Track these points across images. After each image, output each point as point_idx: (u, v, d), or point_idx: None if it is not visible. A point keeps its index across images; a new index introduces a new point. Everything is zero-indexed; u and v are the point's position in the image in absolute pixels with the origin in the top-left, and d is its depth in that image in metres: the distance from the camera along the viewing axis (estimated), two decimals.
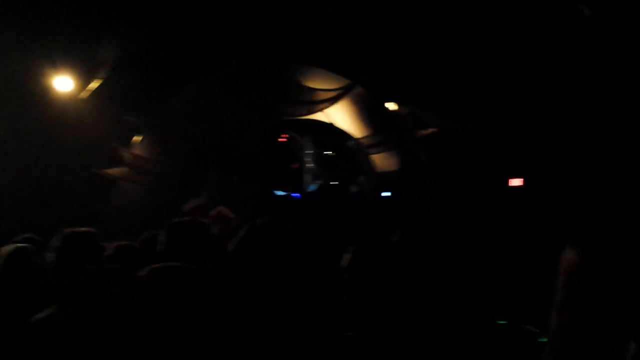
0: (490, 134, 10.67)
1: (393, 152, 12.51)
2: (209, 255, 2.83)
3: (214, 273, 2.88)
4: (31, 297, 3.40)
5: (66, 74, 8.18)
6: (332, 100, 11.61)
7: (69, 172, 8.32)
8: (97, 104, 8.47)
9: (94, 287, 2.29)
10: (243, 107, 10.49)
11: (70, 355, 2.14)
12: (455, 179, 11.14)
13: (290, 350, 1.95)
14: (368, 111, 12.20)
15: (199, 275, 2.21)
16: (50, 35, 7.59)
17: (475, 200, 10.61)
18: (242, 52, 9.64)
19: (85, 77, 8.42)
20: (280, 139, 14.12)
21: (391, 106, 12.01)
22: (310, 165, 15.10)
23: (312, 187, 14.51)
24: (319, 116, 12.26)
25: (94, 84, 8.55)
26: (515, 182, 11.63)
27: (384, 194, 12.81)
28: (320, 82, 11.15)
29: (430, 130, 12.07)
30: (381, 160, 12.81)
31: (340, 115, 12.34)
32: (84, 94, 8.46)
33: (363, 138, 12.67)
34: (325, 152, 15.19)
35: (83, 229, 3.31)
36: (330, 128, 12.84)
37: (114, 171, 9.47)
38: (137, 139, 9.79)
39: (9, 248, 3.65)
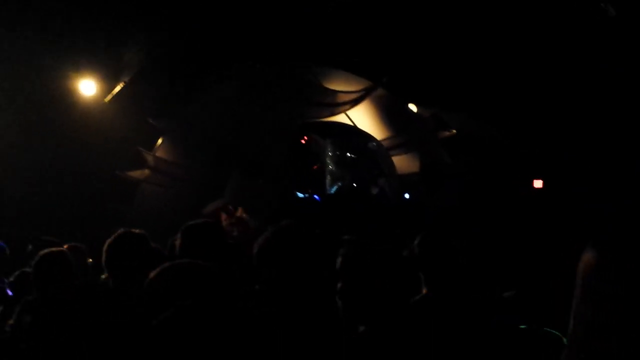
0: (509, 135, 10.62)
1: (415, 154, 12.45)
2: (225, 257, 2.84)
3: (234, 274, 2.90)
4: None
5: (90, 77, 8.27)
6: (354, 102, 11.60)
7: (93, 174, 8.42)
8: (121, 107, 8.55)
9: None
10: (265, 109, 10.52)
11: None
12: (479, 180, 11.08)
13: (300, 350, 1.96)
14: (390, 113, 12.17)
15: (210, 272, 2.22)
16: (74, 39, 7.68)
17: (495, 202, 10.55)
18: (264, 55, 9.68)
19: (108, 81, 8.51)
20: (301, 141, 14.11)
21: (413, 108, 11.97)
22: (331, 167, 15.07)
23: (332, 190, 14.49)
24: (340, 118, 12.26)
25: (118, 88, 8.64)
26: (538, 183, 11.55)
27: (406, 196, 12.75)
28: (342, 84, 11.15)
29: (452, 132, 12.02)
30: (403, 162, 12.76)
31: (361, 117, 12.32)
32: (108, 98, 8.55)
33: (384, 140, 12.64)
34: (346, 154, 15.14)
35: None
36: (352, 130, 12.82)
37: (137, 174, 9.55)
38: (160, 141, 9.87)
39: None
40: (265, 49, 9.50)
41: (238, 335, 1.97)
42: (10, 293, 4.49)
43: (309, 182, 13.72)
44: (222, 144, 10.31)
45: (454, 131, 11.99)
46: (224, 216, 7.91)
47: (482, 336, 3.06)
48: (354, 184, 13.86)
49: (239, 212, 8.91)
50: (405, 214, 10.77)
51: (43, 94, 7.87)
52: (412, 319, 3.08)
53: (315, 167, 14.41)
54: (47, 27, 7.40)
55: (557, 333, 3.20)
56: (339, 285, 2.99)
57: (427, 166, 12.02)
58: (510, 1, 8.11)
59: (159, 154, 9.89)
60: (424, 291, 3.37)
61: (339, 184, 14.15)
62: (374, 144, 13.28)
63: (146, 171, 9.68)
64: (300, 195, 13.16)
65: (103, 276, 3.79)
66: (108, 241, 3.20)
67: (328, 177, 14.81)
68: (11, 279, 4.61)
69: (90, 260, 4.63)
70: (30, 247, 4.99)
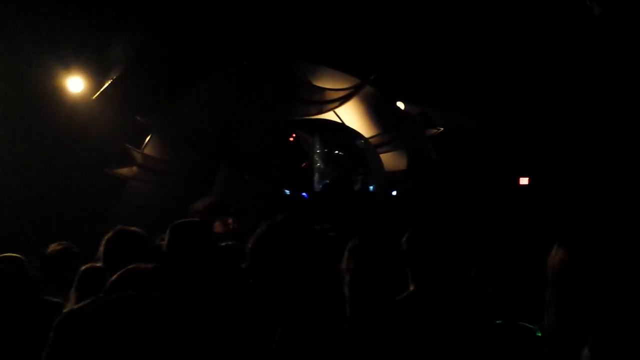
0: (497, 133, 10.68)
1: (402, 151, 12.50)
2: (212, 255, 2.87)
3: (222, 272, 2.93)
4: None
5: (78, 74, 8.25)
6: (342, 100, 11.62)
7: (81, 171, 8.39)
8: (109, 104, 8.53)
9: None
10: (253, 106, 10.52)
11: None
12: (468, 177, 11.14)
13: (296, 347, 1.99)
14: (378, 110, 12.20)
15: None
16: (62, 36, 7.66)
17: (485, 199, 10.61)
18: (252, 51, 9.68)
19: (96, 77, 8.49)
20: (290, 138, 14.13)
21: (401, 105, 12.02)
22: (319, 164, 15.11)
23: (319, 187, 14.54)
24: (328, 115, 12.27)
25: (106, 85, 8.62)
26: (524, 181, 11.62)
27: (393, 193, 12.80)
28: (330, 82, 11.17)
29: (440, 129, 12.08)
30: (390, 160, 12.80)
31: (350, 115, 12.34)
32: (96, 95, 8.53)
33: (372, 137, 12.67)
34: (334, 152, 15.18)
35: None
36: (339, 127, 12.85)
37: (125, 171, 9.54)
38: (148, 139, 9.85)
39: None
40: (253, 46, 9.50)
41: (212, 327, 2.01)
42: None
43: (296, 179, 13.74)
44: (210, 141, 10.31)
45: (442, 129, 12.06)
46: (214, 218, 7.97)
47: (467, 333, 3.08)
48: (339, 181, 13.93)
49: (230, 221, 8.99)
50: (397, 211, 10.80)
51: (30, 91, 7.84)
52: (397, 317, 3.10)
53: (303, 164, 14.44)
54: (34, 23, 7.37)
55: (531, 326, 3.25)
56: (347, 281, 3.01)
57: (414, 163, 12.07)
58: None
59: (147, 151, 9.87)
60: (411, 288, 3.39)
61: (326, 180, 14.20)
62: (362, 141, 13.32)
63: (134, 168, 9.67)
64: (288, 192, 13.18)
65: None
66: (106, 236, 3.28)
67: (316, 174, 14.85)
68: None
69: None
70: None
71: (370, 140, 12.79)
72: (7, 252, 3.92)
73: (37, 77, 7.88)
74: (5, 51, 7.33)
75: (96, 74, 8.44)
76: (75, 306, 2.83)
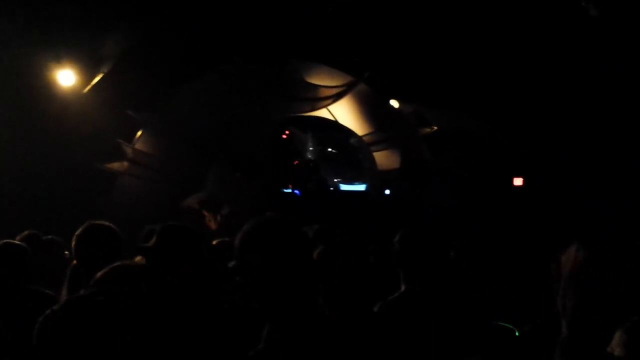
0: (492, 132, 10.68)
1: (396, 150, 12.49)
2: (203, 257, 2.83)
3: (215, 273, 2.88)
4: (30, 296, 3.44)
5: (69, 68, 8.16)
6: (336, 97, 11.59)
7: (71, 166, 8.32)
8: (100, 98, 8.45)
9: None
10: (246, 103, 10.48)
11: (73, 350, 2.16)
12: (463, 176, 11.14)
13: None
14: (371, 108, 12.19)
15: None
16: (53, 29, 7.58)
17: (481, 198, 10.61)
18: (245, 48, 9.63)
19: (88, 71, 8.41)
20: (283, 136, 14.09)
21: (395, 104, 11.99)
22: (312, 162, 15.08)
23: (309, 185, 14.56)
24: (322, 113, 12.24)
25: (97, 79, 8.54)
26: (518, 181, 11.63)
27: (386, 192, 12.81)
28: (323, 79, 11.14)
29: (434, 128, 12.07)
30: (384, 158, 12.79)
31: (343, 112, 12.32)
32: (87, 88, 8.45)
33: (366, 135, 12.66)
34: (327, 149, 15.16)
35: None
36: (333, 125, 12.82)
37: (116, 166, 9.46)
38: (139, 134, 9.78)
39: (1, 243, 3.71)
40: (247, 42, 9.45)
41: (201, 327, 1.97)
42: None
43: (289, 176, 13.71)
44: (203, 137, 10.26)
45: (435, 127, 12.05)
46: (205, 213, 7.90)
47: (458, 332, 3.08)
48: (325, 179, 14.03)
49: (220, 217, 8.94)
50: (393, 211, 10.80)
51: (20, 84, 7.75)
52: (388, 317, 3.08)
53: (295, 162, 14.40)
54: (25, 15, 7.29)
55: (509, 326, 3.26)
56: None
57: (408, 162, 12.07)
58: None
59: (138, 146, 9.79)
60: (402, 288, 3.37)
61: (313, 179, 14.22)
62: (355, 139, 13.31)
63: (125, 163, 9.59)
64: (281, 190, 13.15)
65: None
66: (77, 232, 3.25)
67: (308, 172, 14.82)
68: None
69: (67, 253, 4.59)
70: (17, 238, 4.96)
71: (363, 138, 12.77)
72: None
73: (27, 70, 7.80)
74: None
75: (87, 68, 8.35)
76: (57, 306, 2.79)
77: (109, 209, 8.64)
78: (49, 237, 4.96)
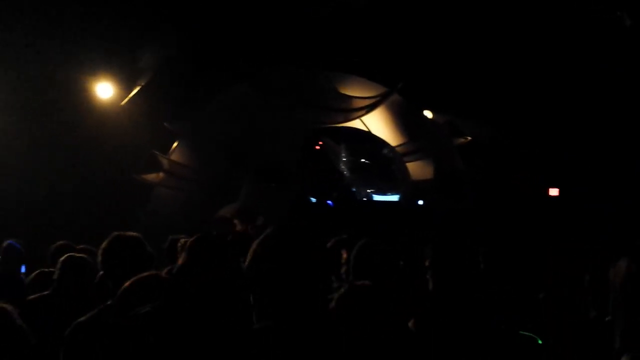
0: (525, 142, 10.59)
1: (429, 160, 12.41)
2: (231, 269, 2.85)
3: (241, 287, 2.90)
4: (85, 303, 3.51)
5: (107, 80, 8.32)
6: (369, 108, 11.58)
7: (109, 177, 8.46)
8: (137, 110, 8.59)
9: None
10: (280, 113, 10.53)
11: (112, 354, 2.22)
12: (491, 186, 11.05)
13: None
14: (404, 119, 12.13)
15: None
16: (92, 42, 7.74)
17: (511, 208, 10.51)
18: (279, 59, 9.70)
19: (125, 84, 8.56)
20: (316, 147, 14.13)
21: (428, 114, 11.93)
22: (345, 173, 15.08)
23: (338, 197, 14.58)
24: (355, 123, 12.24)
25: (134, 91, 8.68)
26: (554, 191, 11.48)
27: (419, 202, 12.74)
28: (357, 90, 11.13)
29: (467, 138, 11.97)
30: (417, 169, 12.72)
31: (376, 123, 12.30)
32: (125, 101, 8.60)
33: (399, 146, 12.61)
34: (361, 160, 15.15)
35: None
36: (366, 136, 12.81)
37: (152, 177, 9.59)
38: (175, 145, 9.91)
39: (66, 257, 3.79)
40: (281, 53, 9.52)
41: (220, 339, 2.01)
42: None
43: (322, 187, 13.73)
44: (237, 147, 10.33)
45: (469, 138, 11.95)
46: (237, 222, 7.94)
47: (479, 339, 3.07)
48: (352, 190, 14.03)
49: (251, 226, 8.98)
50: (424, 219, 10.75)
51: (60, 97, 7.93)
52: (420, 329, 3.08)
53: (328, 172, 14.41)
54: (65, 30, 7.46)
55: (532, 335, 3.23)
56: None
57: (441, 173, 11.98)
58: (527, 10, 8.09)
59: (174, 157, 9.92)
60: (432, 294, 3.38)
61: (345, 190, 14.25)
62: (388, 150, 13.27)
63: (161, 174, 9.72)
64: (314, 200, 13.17)
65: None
66: (102, 245, 3.27)
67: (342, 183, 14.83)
68: (29, 278, 4.70)
69: None
70: (52, 248, 5.07)
71: (396, 149, 12.72)
72: (34, 257, 3.96)
73: (67, 83, 7.97)
74: (35, 57, 7.43)
75: (125, 81, 8.51)
76: (85, 317, 2.86)
77: (145, 219, 8.76)
78: (82, 246, 5.05)
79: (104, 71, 8.24)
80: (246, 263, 2.15)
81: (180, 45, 8.72)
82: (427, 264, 3.36)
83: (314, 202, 13.14)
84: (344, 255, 3.88)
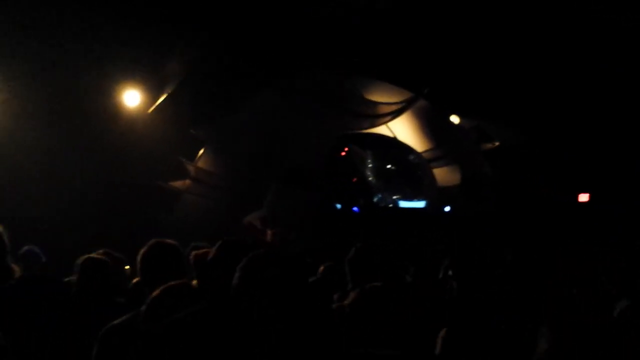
0: (555, 146, 10.46)
1: (456, 166, 12.32)
2: None
3: None
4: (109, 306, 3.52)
5: (134, 88, 8.38)
6: (395, 114, 11.53)
7: (136, 184, 8.51)
8: (164, 117, 8.64)
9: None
10: (306, 120, 10.53)
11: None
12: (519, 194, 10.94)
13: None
14: (431, 124, 12.07)
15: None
16: (119, 50, 7.80)
17: (542, 212, 10.38)
18: (306, 65, 9.70)
19: (152, 91, 8.61)
20: (342, 153, 14.13)
21: (455, 119, 11.85)
22: (371, 179, 15.05)
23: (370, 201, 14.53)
24: (381, 129, 12.21)
25: (161, 98, 8.74)
26: (584, 197, 11.32)
27: (446, 208, 12.65)
28: (383, 96, 11.10)
29: (495, 143, 11.85)
30: (443, 175, 12.63)
31: (402, 129, 12.25)
32: (152, 108, 8.65)
33: (425, 152, 12.54)
34: (387, 166, 15.11)
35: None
36: (392, 142, 12.77)
37: (179, 184, 9.64)
38: (201, 152, 9.95)
39: (84, 259, 3.80)
40: (307, 59, 9.52)
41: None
42: None
43: (347, 193, 13.72)
44: (263, 154, 10.35)
45: (497, 143, 11.83)
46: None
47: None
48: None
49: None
50: (449, 226, 10.67)
51: (87, 105, 8.00)
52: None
53: (354, 179, 14.40)
54: (92, 38, 7.52)
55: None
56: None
57: (468, 179, 11.89)
58: (552, 15, 8.00)
59: (200, 164, 9.97)
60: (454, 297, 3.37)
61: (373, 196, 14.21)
62: (415, 156, 13.21)
63: (187, 181, 9.77)
64: (339, 206, 13.15)
65: (134, 280, 3.90)
66: (142, 251, 3.27)
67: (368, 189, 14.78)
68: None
69: (128, 268, 4.67)
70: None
71: (423, 154, 12.66)
72: (60, 264, 3.97)
73: (94, 90, 8.04)
74: (61, 65, 7.50)
75: (152, 88, 8.56)
76: (119, 320, 2.87)
77: (172, 225, 8.80)
78: (103, 250, 5.03)
79: (131, 79, 8.30)
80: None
81: (207, 53, 8.75)
82: (444, 269, 3.37)
83: (339, 209, 13.12)
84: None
